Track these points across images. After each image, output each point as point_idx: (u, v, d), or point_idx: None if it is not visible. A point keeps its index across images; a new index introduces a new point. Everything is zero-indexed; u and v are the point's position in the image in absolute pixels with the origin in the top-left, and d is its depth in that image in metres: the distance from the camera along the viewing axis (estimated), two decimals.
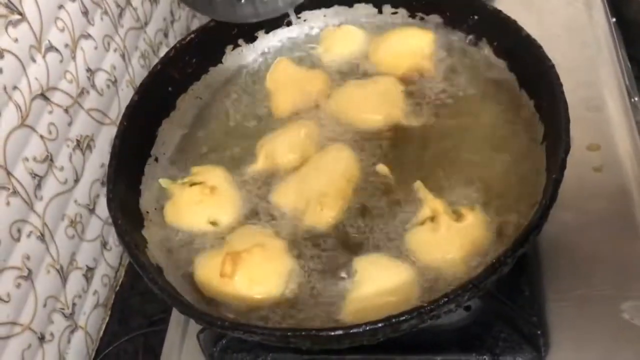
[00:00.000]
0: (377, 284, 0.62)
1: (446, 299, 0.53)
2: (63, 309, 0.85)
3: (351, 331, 0.52)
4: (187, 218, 0.72)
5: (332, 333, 0.52)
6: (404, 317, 0.52)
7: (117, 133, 0.70)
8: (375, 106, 0.78)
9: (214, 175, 0.75)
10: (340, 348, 0.55)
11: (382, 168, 0.73)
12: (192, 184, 0.74)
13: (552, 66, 0.66)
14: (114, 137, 0.70)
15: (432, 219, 0.67)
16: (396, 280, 0.63)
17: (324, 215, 0.70)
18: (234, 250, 0.66)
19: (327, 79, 0.83)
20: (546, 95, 0.67)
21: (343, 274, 0.65)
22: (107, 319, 0.96)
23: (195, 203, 0.72)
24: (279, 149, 0.76)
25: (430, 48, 0.82)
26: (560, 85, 0.64)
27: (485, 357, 0.68)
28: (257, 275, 0.65)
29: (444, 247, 0.65)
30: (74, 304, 0.88)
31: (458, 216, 0.67)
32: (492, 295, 0.67)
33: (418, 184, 0.70)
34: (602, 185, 0.78)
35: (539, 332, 0.65)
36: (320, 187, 0.71)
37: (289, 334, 0.53)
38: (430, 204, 0.68)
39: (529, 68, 0.71)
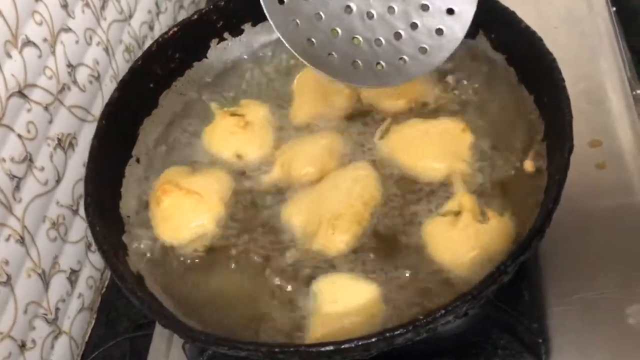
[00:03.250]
0: (339, 305, 0.59)
1: (443, 311, 0.50)
2: (46, 314, 0.83)
3: (342, 347, 0.49)
4: (217, 144, 0.75)
5: (323, 349, 0.49)
6: (399, 332, 0.49)
7: (95, 133, 0.66)
8: (438, 154, 0.70)
9: (255, 112, 0.77)
10: None
11: None
12: (233, 114, 0.76)
13: (554, 60, 0.63)
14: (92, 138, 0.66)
15: (456, 214, 0.64)
16: (359, 300, 0.60)
17: (335, 240, 0.64)
18: (175, 182, 0.69)
19: (352, 95, 0.78)
20: (547, 91, 0.64)
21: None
22: (93, 322, 0.93)
23: (229, 133, 0.74)
24: (296, 159, 0.71)
25: None
26: (563, 80, 0.61)
27: None
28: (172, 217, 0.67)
29: (456, 243, 0.62)
30: (57, 309, 0.85)
31: (483, 217, 0.64)
32: (491, 301, 0.64)
33: (455, 175, 0.67)
34: (605, 182, 0.76)
35: (539, 340, 0.63)
36: (335, 208, 0.66)
37: (276, 349, 0.50)
38: (460, 197, 0.65)
39: (529, 62, 0.68)
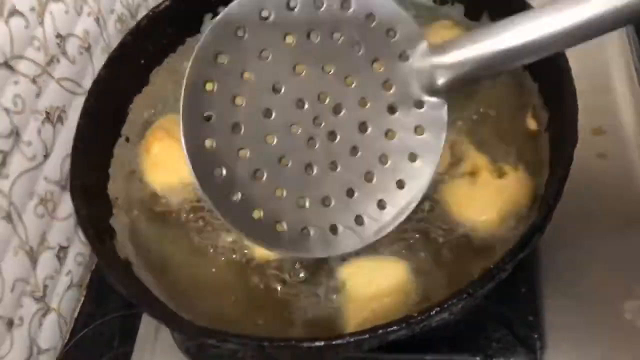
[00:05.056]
0: (372, 288, 0.57)
1: (438, 309, 0.49)
2: (33, 291, 0.82)
3: (334, 342, 0.48)
4: None
5: (314, 344, 0.48)
6: (392, 328, 0.48)
7: (82, 111, 0.64)
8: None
9: None
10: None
11: None
12: None
13: None
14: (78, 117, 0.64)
15: (471, 174, 0.63)
16: (390, 279, 0.58)
17: None
18: (166, 129, 0.67)
19: None
20: (552, 80, 0.61)
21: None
22: (82, 299, 0.92)
23: None
24: None
25: None
26: (569, 69, 0.59)
27: (477, 358, 0.64)
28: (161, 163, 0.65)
29: (481, 203, 0.61)
30: (45, 286, 0.84)
31: (500, 174, 0.63)
32: (487, 295, 0.63)
33: (461, 138, 0.66)
34: (606, 173, 0.74)
35: (535, 335, 0.62)
36: None
37: (265, 344, 0.48)
38: (472, 159, 0.64)
39: None
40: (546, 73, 0.64)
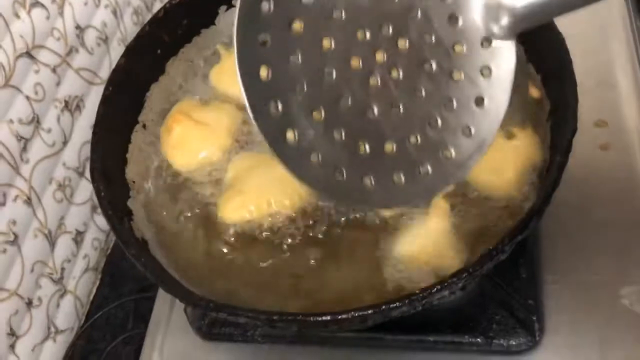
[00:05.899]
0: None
1: (439, 287, 0.51)
2: (51, 273, 0.85)
3: (339, 317, 0.50)
4: (225, 81, 0.75)
5: (320, 318, 0.50)
6: (394, 305, 0.50)
7: (101, 99, 0.66)
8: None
9: None
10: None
11: None
12: None
13: (563, 40, 0.62)
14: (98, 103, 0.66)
15: None
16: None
17: None
18: (186, 112, 0.70)
19: None
20: (555, 71, 0.63)
21: None
22: (98, 282, 0.95)
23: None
24: None
25: None
26: (571, 62, 0.61)
27: (478, 339, 0.66)
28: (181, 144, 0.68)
29: (498, 165, 0.62)
30: (62, 269, 0.87)
31: (509, 136, 0.65)
32: (488, 276, 0.65)
33: None
34: (608, 164, 0.75)
35: (534, 317, 0.64)
36: None
37: (274, 317, 0.51)
38: None
39: (538, 39, 0.67)
40: (549, 65, 0.66)
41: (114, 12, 0.95)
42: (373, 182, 0.48)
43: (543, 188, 0.56)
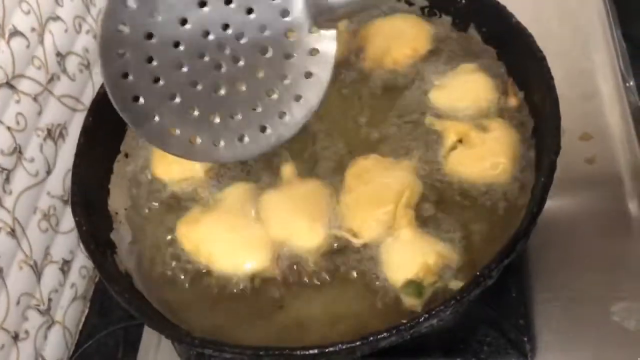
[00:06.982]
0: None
1: (427, 315, 0.50)
2: (38, 305, 0.83)
3: (327, 350, 0.50)
4: None
5: (307, 352, 0.50)
6: (382, 335, 0.50)
7: (82, 129, 0.66)
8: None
9: None
10: None
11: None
12: None
13: (543, 58, 0.62)
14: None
15: (460, 141, 0.67)
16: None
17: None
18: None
19: None
20: (536, 89, 0.63)
21: None
22: (87, 311, 0.93)
23: None
24: None
25: None
26: (551, 79, 0.60)
27: None
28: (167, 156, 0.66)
29: (489, 157, 0.64)
30: (49, 299, 0.86)
31: (484, 129, 0.66)
32: (477, 299, 0.65)
33: (429, 119, 0.69)
34: (594, 178, 0.75)
35: (525, 337, 0.63)
36: None
37: (261, 353, 0.50)
38: (453, 128, 0.67)
39: (519, 58, 0.67)
40: (530, 83, 0.66)
41: (95, 37, 0.95)
42: (224, 144, 0.59)
43: (528, 209, 0.56)
